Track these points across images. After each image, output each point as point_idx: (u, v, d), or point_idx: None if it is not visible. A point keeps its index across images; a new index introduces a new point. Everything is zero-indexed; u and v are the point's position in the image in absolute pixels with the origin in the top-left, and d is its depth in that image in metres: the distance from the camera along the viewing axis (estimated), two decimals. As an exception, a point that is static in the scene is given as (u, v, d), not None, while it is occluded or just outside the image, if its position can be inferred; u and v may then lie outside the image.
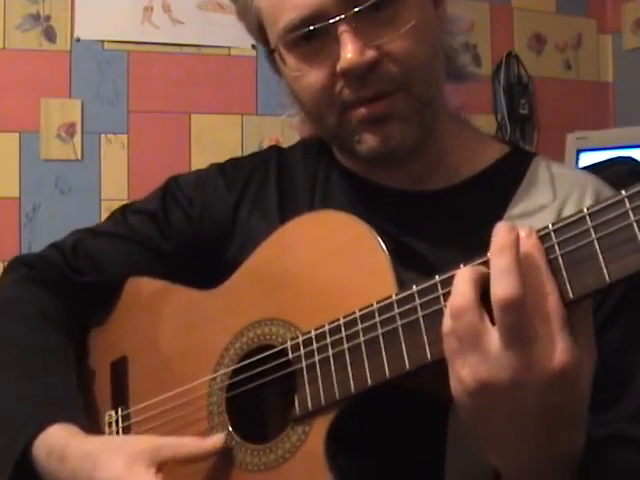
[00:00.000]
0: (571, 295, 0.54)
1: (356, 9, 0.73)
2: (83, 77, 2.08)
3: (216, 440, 0.75)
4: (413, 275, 0.68)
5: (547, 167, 0.84)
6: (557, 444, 0.58)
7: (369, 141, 0.77)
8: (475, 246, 0.73)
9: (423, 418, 0.70)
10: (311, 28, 0.74)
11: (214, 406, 0.78)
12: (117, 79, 2.10)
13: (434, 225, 0.81)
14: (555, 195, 0.80)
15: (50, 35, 2.07)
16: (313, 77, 0.77)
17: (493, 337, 0.54)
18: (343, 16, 0.73)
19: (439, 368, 0.60)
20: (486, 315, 0.55)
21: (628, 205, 0.52)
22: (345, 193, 0.87)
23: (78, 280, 0.94)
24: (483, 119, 2.50)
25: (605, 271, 0.53)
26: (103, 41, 2.11)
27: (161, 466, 0.72)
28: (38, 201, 2.05)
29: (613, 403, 0.71)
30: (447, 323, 0.57)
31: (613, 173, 0.92)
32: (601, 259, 0.53)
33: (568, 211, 0.77)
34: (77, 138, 2.08)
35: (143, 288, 0.92)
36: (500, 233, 0.56)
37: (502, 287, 0.53)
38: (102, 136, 2.09)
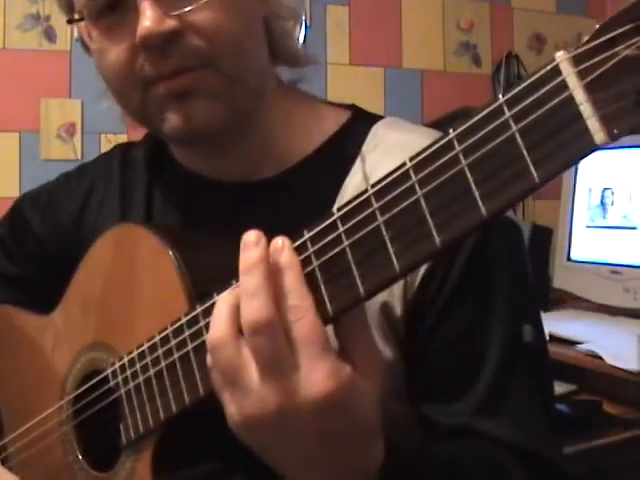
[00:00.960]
0: (331, 313, 0.50)
1: None
2: (83, 77, 2.08)
3: None
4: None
5: (386, 132, 0.78)
6: (349, 465, 0.54)
7: (172, 120, 0.71)
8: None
9: None
10: None
11: (65, 435, 0.78)
12: (117, 79, 2.10)
13: (265, 216, 0.71)
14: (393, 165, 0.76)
15: (50, 35, 2.07)
16: (115, 51, 0.71)
17: (251, 370, 0.51)
18: None
19: None
20: (246, 347, 0.51)
21: (374, 204, 0.47)
22: (181, 191, 0.84)
23: None
24: (483, 119, 2.50)
25: (359, 285, 0.48)
26: (103, 41, 2.11)
27: None
28: (38, 201, 2.05)
29: (459, 394, 0.69)
30: (208, 358, 0.54)
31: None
32: (354, 271, 0.48)
33: None
34: (77, 138, 2.08)
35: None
36: (246, 248, 0.51)
37: (249, 310, 0.50)
38: (102, 136, 2.09)
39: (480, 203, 0.43)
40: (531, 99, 0.42)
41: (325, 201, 0.72)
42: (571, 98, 0.41)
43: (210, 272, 0.63)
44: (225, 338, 0.51)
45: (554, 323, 1.81)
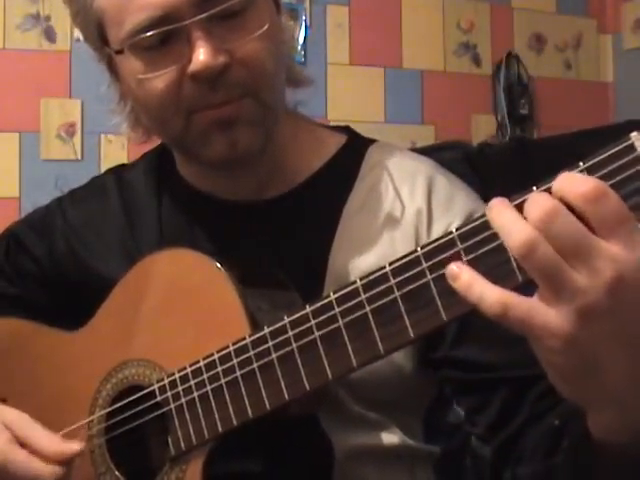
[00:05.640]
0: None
1: (209, 12, 0.71)
2: (83, 77, 2.08)
3: (66, 448, 0.73)
4: (266, 291, 0.73)
5: (382, 155, 0.84)
6: None
7: (216, 145, 0.75)
8: (319, 245, 0.77)
9: (302, 440, 0.74)
10: (162, 30, 0.71)
11: (96, 448, 0.79)
12: (117, 79, 2.10)
13: (276, 232, 0.81)
14: (389, 186, 0.81)
15: (50, 35, 2.07)
16: (161, 80, 0.74)
17: (573, 259, 0.48)
18: (196, 18, 0.71)
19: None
20: (556, 238, 0.48)
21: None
22: (192, 210, 0.87)
23: None
24: (483, 119, 2.50)
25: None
26: (103, 41, 2.11)
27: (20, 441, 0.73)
28: (38, 201, 2.02)
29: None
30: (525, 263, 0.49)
31: (447, 158, 0.96)
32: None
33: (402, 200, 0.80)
34: (77, 138, 2.08)
35: (10, 330, 0.92)
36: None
37: (538, 204, 0.49)
38: (102, 136, 2.09)
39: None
40: None
41: (331, 215, 0.80)
42: None
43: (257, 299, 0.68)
44: (532, 236, 0.48)
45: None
